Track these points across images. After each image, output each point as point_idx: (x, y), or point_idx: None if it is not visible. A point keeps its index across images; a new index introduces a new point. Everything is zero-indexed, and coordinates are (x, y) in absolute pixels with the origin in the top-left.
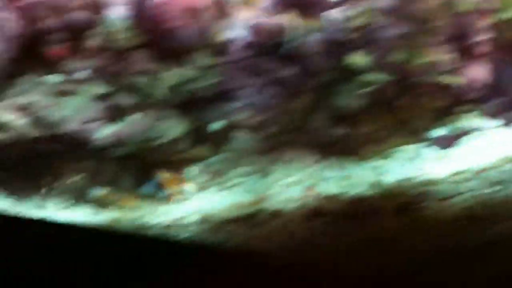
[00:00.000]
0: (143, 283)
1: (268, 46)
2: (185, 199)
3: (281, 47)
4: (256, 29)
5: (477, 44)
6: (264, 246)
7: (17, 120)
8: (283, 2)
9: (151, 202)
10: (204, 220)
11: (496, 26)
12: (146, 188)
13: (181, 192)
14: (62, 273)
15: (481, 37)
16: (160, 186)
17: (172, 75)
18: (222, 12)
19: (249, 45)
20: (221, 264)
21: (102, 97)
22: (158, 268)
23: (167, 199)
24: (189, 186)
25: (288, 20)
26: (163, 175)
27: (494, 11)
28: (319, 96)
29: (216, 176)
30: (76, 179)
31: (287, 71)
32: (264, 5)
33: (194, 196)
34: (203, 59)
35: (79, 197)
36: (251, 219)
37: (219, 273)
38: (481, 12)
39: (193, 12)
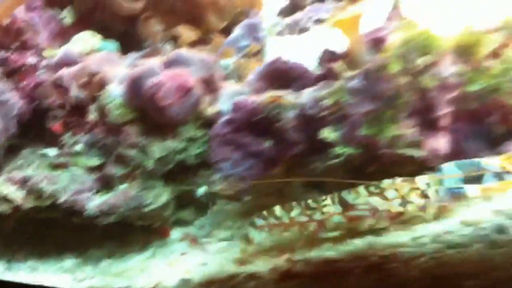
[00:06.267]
0: None
1: (248, 122)
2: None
3: (260, 123)
4: (239, 107)
5: (440, 116)
6: None
7: (16, 192)
8: (265, 77)
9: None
10: (183, 283)
11: (461, 99)
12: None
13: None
14: None
15: (444, 110)
16: None
17: (160, 147)
18: (210, 88)
19: (230, 121)
20: None
21: (94, 169)
22: None
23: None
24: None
25: (268, 97)
26: None
27: (461, 85)
28: (294, 166)
29: (198, 239)
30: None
31: (265, 145)
32: (249, 79)
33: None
34: (190, 132)
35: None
36: (228, 281)
37: None
38: (447, 87)
39: (184, 90)
